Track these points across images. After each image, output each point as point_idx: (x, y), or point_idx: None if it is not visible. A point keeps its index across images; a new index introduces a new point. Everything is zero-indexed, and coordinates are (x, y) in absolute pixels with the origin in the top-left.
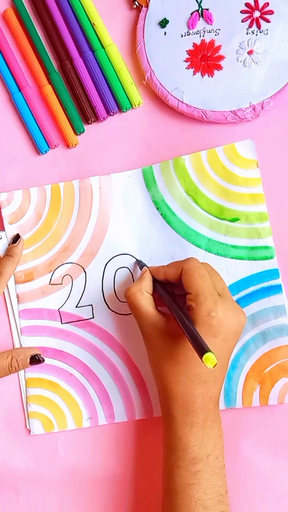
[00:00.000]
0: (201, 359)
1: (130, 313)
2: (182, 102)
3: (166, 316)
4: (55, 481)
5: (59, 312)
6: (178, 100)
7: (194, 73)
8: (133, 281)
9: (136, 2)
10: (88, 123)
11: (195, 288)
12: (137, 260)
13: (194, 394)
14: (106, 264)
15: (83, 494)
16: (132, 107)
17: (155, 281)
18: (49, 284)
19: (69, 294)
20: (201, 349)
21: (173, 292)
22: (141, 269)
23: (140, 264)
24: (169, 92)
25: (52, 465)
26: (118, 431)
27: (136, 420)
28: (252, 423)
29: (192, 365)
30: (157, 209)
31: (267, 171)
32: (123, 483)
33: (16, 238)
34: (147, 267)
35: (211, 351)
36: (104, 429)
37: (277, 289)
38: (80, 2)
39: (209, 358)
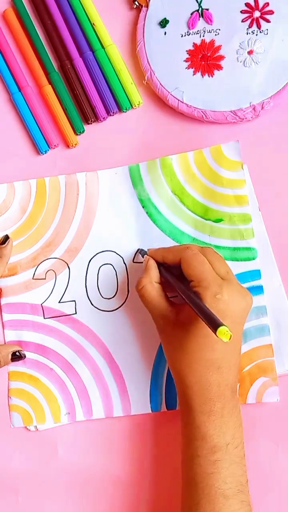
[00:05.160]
0: (215, 333)
1: (113, 310)
2: (182, 102)
3: (177, 307)
4: (54, 482)
5: (42, 307)
6: (178, 100)
7: (194, 73)
8: (117, 278)
9: (136, 2)
10: (88, 123)
11: (196, 275)
12: (138, 249)
13: (209, 381)
14: (90, 260)
15: (82, 494)
16: (132, 107)
17: (159, 266)
18: (33, 278)
19: (52, 289)
20: (214, 324)
21: (177, 274)
22: (142, 257)
23: (142, 252)
24: (169, 92)
25: (52, 465)
26: (118, 430)
27: (136, 419)
28: (253, 419)
29: (204, 351)
30: (143, 207)
31: (267, 171)
32: (123, 483)
33: (5, 239)
34: (147, 254)
35: (224, 325)
36: (104, 429)
37: (258, 289)
38: (80, 2)
39: (223, 331)
